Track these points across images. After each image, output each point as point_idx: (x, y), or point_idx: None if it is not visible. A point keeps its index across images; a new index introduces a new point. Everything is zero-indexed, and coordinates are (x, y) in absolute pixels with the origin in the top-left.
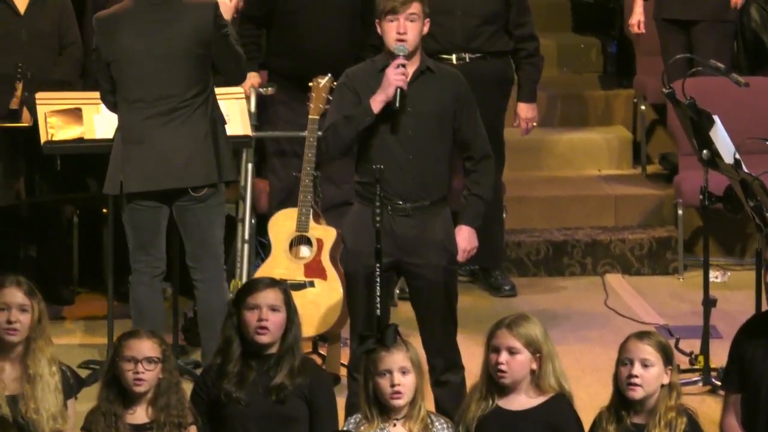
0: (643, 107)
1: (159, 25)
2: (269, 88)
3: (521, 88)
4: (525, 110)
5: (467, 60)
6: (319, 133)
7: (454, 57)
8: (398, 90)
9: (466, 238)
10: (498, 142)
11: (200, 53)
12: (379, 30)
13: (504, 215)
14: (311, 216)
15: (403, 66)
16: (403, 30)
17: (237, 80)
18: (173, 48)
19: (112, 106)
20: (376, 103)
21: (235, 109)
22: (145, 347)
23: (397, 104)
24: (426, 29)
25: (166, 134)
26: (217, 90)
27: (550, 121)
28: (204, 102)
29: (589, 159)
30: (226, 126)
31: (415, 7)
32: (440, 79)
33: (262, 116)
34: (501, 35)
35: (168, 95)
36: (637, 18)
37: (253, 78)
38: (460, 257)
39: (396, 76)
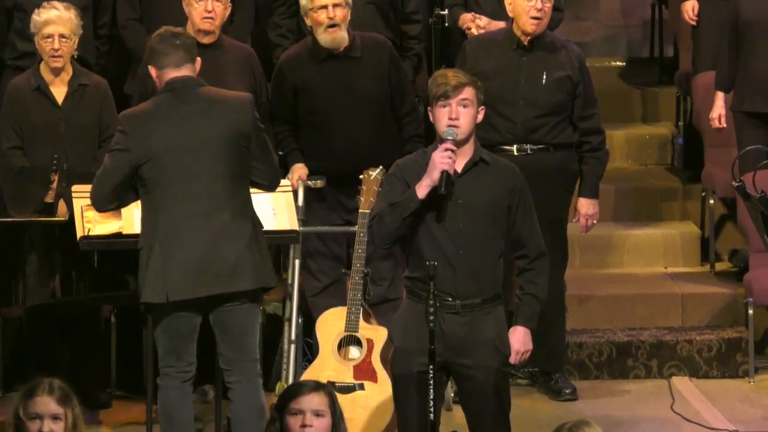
0: (711, 201)
1: (196, 118)
2: (318, 181)
3: (583, 182)
4: (586, 206)
5: (528, 152)
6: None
7: (515, 148)
8: (444, 174)
9: (520, 340)
10: (561, 238)
11: (241, 146)
12: (431, 117)
13: (565, 315)
14: (361, 315)
15: (452, 150)
16: (456, 115)
17: (271, 185)
18: (214, 139)
19: (112, 208)
20: (422, 189)
21: (282, 202)
22: None
23: (443, 189)
24: (480, 117)
25: (210, 235)
26: None
27: (612, 215)
28: (246, 203)
29: (655, 256)
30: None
31: (468, 92)
32: (495, 171)
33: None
34: (565, 127)
35: (210, 192)
36: (718, 111)
37: (300, 170)
38: (513, 360)
39: (442, 159)
